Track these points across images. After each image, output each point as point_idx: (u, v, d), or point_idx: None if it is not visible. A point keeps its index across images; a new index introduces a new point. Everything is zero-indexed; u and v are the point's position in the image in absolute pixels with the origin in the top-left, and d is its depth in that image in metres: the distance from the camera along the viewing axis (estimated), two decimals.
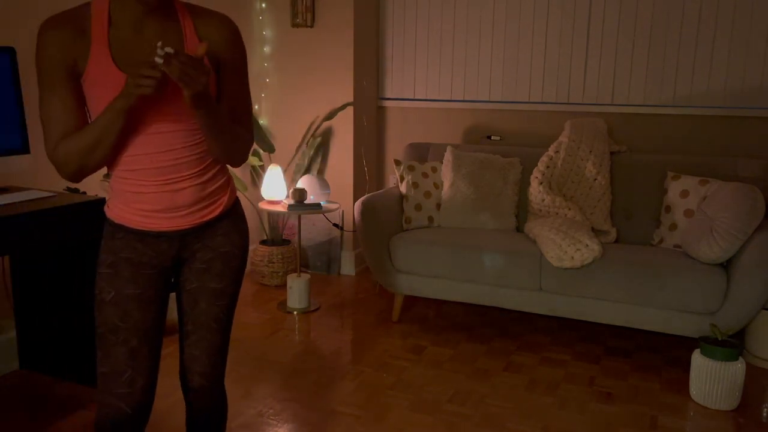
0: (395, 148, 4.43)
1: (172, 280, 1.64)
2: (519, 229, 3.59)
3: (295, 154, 4.23)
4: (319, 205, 3.58)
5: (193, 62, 1.30)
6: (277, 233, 4.21)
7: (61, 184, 2.94)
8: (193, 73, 1.30)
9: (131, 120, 1.40)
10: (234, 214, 1.63)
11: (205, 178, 1.53)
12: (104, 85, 1.39)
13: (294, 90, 4.25)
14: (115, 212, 1.53)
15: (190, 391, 1.65)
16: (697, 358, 2.65)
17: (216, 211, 1.57)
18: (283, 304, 3.71)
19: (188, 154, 1.48)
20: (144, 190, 1.47)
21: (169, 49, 1.26)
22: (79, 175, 1.43)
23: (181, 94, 1.38)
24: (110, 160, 1.47)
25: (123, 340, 1.50)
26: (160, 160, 1.46)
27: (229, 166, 1.85)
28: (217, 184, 1.56)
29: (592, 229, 3.32)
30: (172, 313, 3.15)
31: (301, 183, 3.66)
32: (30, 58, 2.76)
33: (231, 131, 1.51)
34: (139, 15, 1.42)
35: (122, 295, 1.50)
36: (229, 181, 1.62)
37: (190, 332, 1.63)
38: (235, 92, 1.57)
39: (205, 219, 1.55)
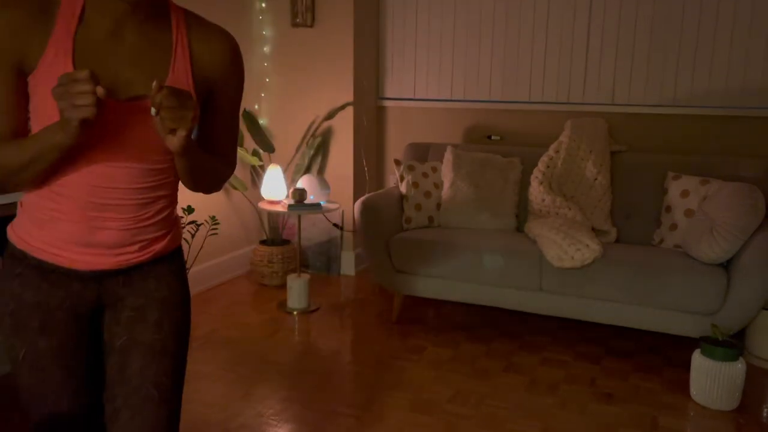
0: (395, 148, 4.43)
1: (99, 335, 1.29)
2: (519, 229, 3.58)
3: (295, 154, 4.23)
4: (319, 205, 3.58)
5: (182, 99, 1.05)
6: (277, 233, 4.20)
7: None
8: (183, 112, 1.05)
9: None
10: (174, 260, 1.31)
11: (143, 224, 1.22)
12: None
13: (294, 90, 4.24)
14: (20, 234, 1.21)
15: None
16: (698, 359, 2.64)
17: (147, 255, 1.24)
18: (283, 304, 3.70)
19: (131, 197, 1.19)
20: (61, 217, 1.17)
21: (154, 84, 1.04)
22: None
23: (147, 126, 1.13)
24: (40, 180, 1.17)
25: (52, 404, 1.21)
26: (96, 195, 1.16)
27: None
28: (157, 233, 1.25)
29: (593, 229, 3.32)
30: None
31: (301, 183, 3.65)
32: None
33: (211, 171, 1.26)
34: (121, 13, 1.10)
35: (35, 352, 1.19)
36: (175, 223, 1.31)
37: (118, 409, 1.20)
38: (225, 123, 1.29)
39: (132, 261, 1.23)
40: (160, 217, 1.25)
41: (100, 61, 1.11)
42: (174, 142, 1.08)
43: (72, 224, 1.17)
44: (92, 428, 1.28)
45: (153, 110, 1.04)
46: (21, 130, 1.14)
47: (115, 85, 1.11)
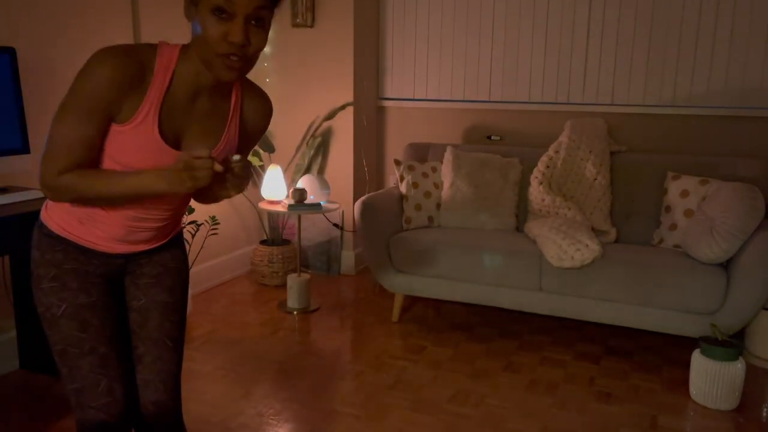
0: (395, 148, 4.43)
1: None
2: (519, 229, 3.59)
3: (295, 154, 4.23)
4: (319, 205, 3.58)
5: (247, 170, 1.33)
6: (277, 233, 4.21)
7: None
8: (245, 181, 1.33)
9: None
10: (180, 237, 1.63)
11: (170, 223, 1.52)
12: (136, 142, 1.32)
13: (294, 90, 4.25)
14: (60, 223, 1.43)
15: (143, 428, 1.53)
16: (697, 358, 2.64)
17: (167, 238, 1.56)
18: (283, 304, 3.71)
19: (168, 212, 1.47)
20: (104, 221, 1.42)
21: (237, 157, 1.30)
22: (62, 201, 1.36)
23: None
24: None
25: (89, 350, 1.42)
26: (142, 212, 1.43)
27: None
28: (174, 224, 1.56)
29: (593, 229, 3.32)
30: None
31: (301, 183, 3.66)
32: (30, 58, 2.76)
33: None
34: (202, 84, 1.35)
35: (75, 306, 1.42)
36: (182, 215, 1.62)
37: (141, 355, 1.53)
38: (243, 154, 1.56)
39: (157, 245, 1.53)
40: (180, 216, 1.57)
41: (176, 122, 1.35)
42: (223, 195, 1.37)
43: (113, 228, 1.43)
44: (123, 371, 1.48)
45: (221, 167, 1.27)
46: (96, 162, 1.36)
47: (181, 140, 1.38)
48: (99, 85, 1.25)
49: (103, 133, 1.31)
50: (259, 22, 1.27)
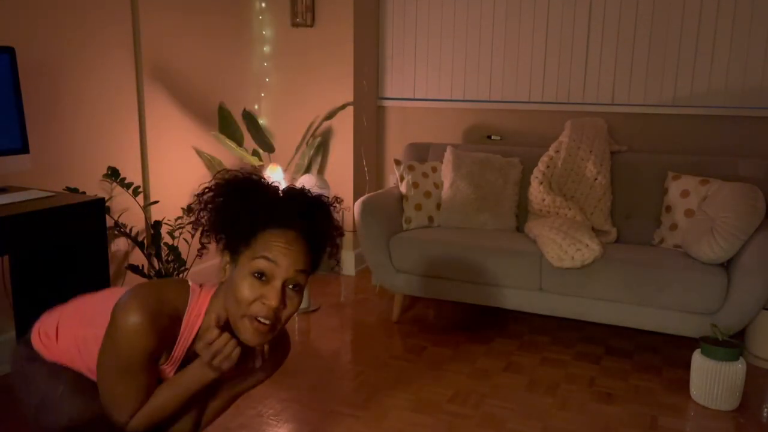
0: (395, 148, 4.43)
1: None
2: (519, 229, 3.59)
3: (294, 154, 4.23)
4: None
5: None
6: None
7: (61, 184, 2.94)
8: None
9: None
10: None
11: None
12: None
13: (294, 90, 4.24)
14: (59, 359, 1.45)
15: None
16: (698, 359, 2.64)
17: None
18: None
19: None
20: None
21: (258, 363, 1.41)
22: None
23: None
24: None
25: (99, 418, 1.39)
26: None
27: None
28: None
29: (593, 229, 3.32)
30: None
31: (301, 183, 3.65)
32: (30, 58, 2.76)
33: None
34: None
35: (72, 380, 1.42)
36: None
37: None
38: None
39: None
40: None
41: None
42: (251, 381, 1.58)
43: None
44: None
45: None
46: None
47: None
48: (141, 353, 1.27)
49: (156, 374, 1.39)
50: (296, 287, 1.29)
